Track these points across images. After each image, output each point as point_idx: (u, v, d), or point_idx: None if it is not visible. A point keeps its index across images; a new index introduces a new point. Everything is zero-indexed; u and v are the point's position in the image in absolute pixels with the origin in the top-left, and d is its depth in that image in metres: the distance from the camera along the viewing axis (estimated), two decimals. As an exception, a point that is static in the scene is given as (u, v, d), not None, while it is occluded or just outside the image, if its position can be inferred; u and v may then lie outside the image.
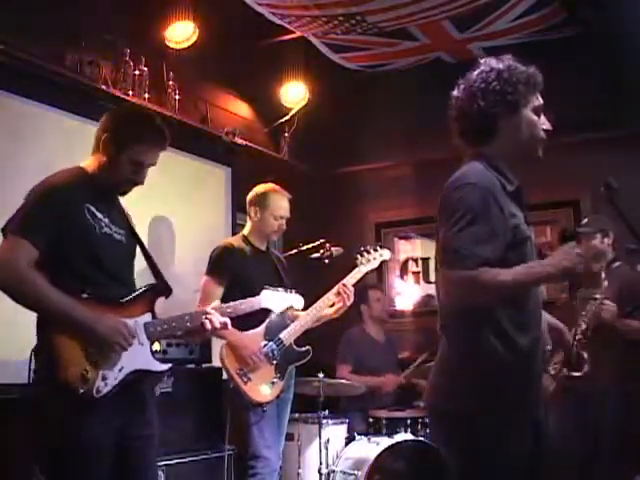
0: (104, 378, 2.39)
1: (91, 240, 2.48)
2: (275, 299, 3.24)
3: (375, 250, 4.20)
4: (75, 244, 2.45)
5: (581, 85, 5.15)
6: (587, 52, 5.05)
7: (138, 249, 2.76)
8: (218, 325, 2.71)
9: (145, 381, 2.60)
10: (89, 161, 2.63)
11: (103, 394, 2.38)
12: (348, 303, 3.93)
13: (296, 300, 3.43)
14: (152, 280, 2.72)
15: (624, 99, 4.95)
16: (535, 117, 2.19)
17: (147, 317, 2.58)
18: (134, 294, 2.58)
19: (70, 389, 2.33)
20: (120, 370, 2.44)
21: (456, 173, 2.16)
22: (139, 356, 2.51)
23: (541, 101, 2.21)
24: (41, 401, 2.40)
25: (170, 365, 2.65)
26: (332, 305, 3.93)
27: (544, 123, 2.21)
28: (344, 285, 3.92)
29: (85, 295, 2.42)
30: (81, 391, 2.33)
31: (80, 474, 2.38)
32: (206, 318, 2.69)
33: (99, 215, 2.53)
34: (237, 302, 3.08)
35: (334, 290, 3.92)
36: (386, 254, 4.26)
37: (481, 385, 2.05)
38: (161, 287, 2.68)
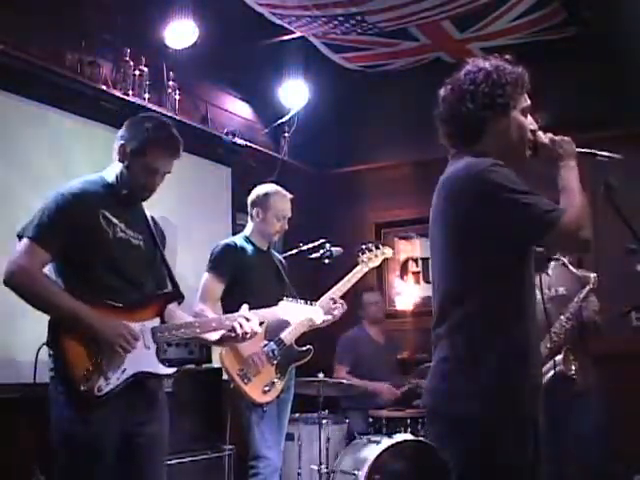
0: (106, 378, 2.46)
1: (105, 245, 2.56)
2: (293, 311, 3.16)
3: (377, 248, 4.20)
4: (89, 249, 2.53)
5: (581, 85, 5.15)
6: (587, 52, 5.05)
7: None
8: (250, 330, 2.78)
9: (154, 381, 2.65)
10: (109, 169, 2.71)
11: (104, 393, 2.44)
12: (335, 317, 3.90)
13: (316, 313, 3.31)
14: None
15: (624, 99, 4.95)
16: (523, 118, 2.18)
17: (155, 322, 2.64)
18: (143, 299, 2.64)
19: (73, 387, 2.41)
20: (123, 372, 2.50)
21: (461, 165, 2.13)
22: (144, 359, 2.57)
23: (528, 102, 2.19)
24: (48, 398, 2.47)
25: (175, 369, 2.70)
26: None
27: (531, 123, 2.20)
28: (333, 300, 3.88)
29: (94, 299, 2.49)
30: (82, 388, 2.40)
31: (82, 472, 2.43)
32: (239, 323, 2.75)
33: (114, 220, 2.60)
34: (257, 311, 2.98)
35: (326, 298, 3.87)
36: (388, 252, 4.26)
37: (483, 386, 2.04)
38: (172, 294, 2.76)
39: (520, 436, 2.03)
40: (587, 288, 3.81)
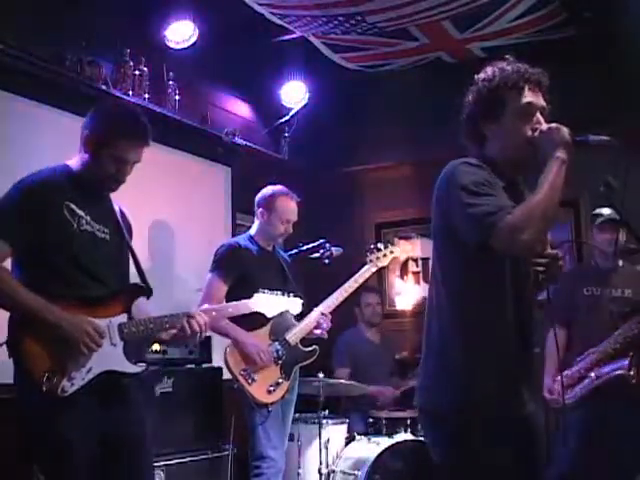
0: (70, 378, 2.35)
1: (68, 238, 2.45)
2: (268, 303, 3.02)
3: (385, 247, 4.19)
4: (52, 242, 2.43)
5: (581, 85, 5.14)
6: (587, 52, 5.05)
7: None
8: (197, 328, 2.62)
9: (127, 380, 2.54)
10: (75, 159, 2.60)
11: (68, 394, 2.34)
12: (324, 333, 3.90)
13: (293, 304, 3.23)
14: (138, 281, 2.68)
15: (624, 99, 4.95)
16: (516, 121, 2.14)
17: (122, 318, 2.53)
18: (109, 294, 2.53)
19: (35, 388, 2.30)
20: (88, 371, 2.39)
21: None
22: (110, 357, 2.45)
23: (528, 99, 2.14)
24: (17, 397, 2.40)
25: (144, 367, 2.58)
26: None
27: (537, 122, 2.13)
28: (323, 314, 3.86)
29: (57, 294, 2.38)
30: (44, 389, 2.30)
31: (57, 474, 2.36)
32: (187, 321, 2.60)
33: (80, 212, 2.49)
34: (225, 305, 3.02)
35: (317, 312, 3.86)
36: (396, 250, 4.25)
37: (451, 385, 2.07)
38: (138, 288, 2.64)
39: (488, 436, 2.02)
40: None
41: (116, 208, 2.72)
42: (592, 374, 3.65)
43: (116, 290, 2.56)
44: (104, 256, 2.57)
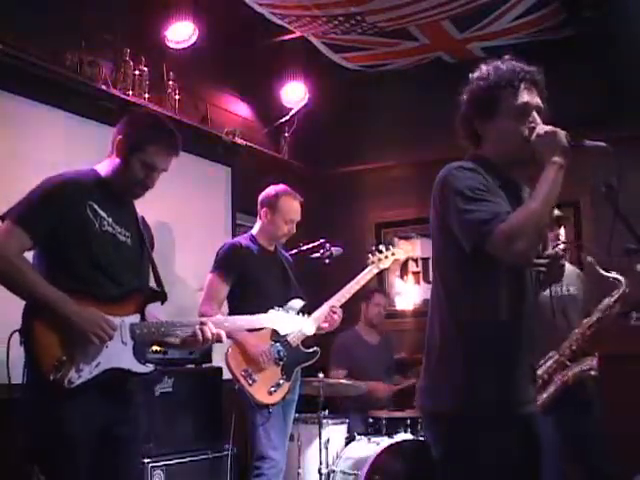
0: (78, 370, 2.37)
1: (89, 237, 2.50)
2: (281, 321, 3.03)
3: (387, 249, 4.17)
4: (72, 240, 2.47)
5: (581, 85, 5.15)
6: (587, 52, 5.06)
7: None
8: (210, 336, 2.64)
9: (132, 380, 2.56)
10: (103, 163, 2.67)
11: (75, 385, 2.36)
12: (334, 327, 3.90)
13: (306, 325, 3.26)
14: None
15: (624, 99, 4.95)
16: (511, 120, 2.12)
17: (135, 318, 2.56)
18: (124, 293, 2.56)
19: (42, 377, 2.33)
20: (97, 366, 2.42)
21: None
22: (119, 355, 2.48)
23: (525, 99, 2.12)
24: (22, 392, 2.41)
25: (152, 368, 2.59)
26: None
27: (532, 121, 2.11)
28: (333, 307, 3.86)
29: (74, 289, 2.41)
30: (52, 378, 2.32)
31: (58, 469, 2.37)
32: (200, 329, 2.63)
33: (102, 213, 2.54)
34: (237, 317, 3.01)
35: (325, 309, 3.85)
36: (398, 252, 4.23)
37: (451, 385, 2.07)
38: (153, 292, 2.67)
39: (488, 436, 2.02)
40: (620, 291, 3.62)
41: (139, 216, 2.77)
42: (557, 379, 3.58)
43: (131, 290, 2.60)
44: (124, 259, 2.61)
